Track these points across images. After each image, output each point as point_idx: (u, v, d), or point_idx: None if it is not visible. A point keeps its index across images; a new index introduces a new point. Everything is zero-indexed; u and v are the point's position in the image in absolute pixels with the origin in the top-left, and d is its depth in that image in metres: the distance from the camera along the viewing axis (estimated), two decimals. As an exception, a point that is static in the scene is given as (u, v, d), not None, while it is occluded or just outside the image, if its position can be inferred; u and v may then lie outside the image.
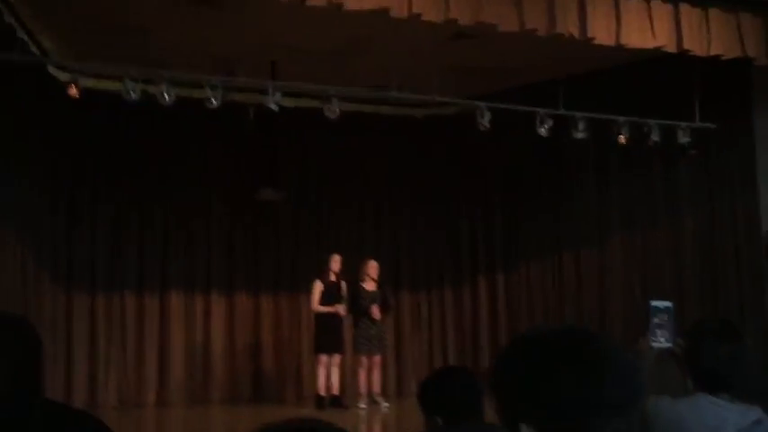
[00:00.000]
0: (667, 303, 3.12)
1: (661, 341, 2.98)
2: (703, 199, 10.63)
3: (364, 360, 10.19)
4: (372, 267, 10.33)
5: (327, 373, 10.14)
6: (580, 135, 9.97)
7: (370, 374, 10.27)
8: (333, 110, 9.26)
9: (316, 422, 1.25)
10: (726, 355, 2.88)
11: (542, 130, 9.81)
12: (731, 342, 2.91)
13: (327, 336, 10.09)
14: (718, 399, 2.87)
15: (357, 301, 10.11)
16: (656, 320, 3.06)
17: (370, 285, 10.25)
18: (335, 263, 10.29)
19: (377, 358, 10.26)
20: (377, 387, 10.28)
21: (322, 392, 10.08)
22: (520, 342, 1.39)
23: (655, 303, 3.09)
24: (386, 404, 10.17)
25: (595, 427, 1.30)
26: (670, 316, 3.07)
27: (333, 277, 10.23)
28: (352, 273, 10.32)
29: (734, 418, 2.84)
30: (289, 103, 10.06)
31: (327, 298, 10.13)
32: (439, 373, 3.37)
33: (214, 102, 8.87)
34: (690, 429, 2.80)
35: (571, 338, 1.36)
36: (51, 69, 9.82)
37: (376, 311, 10.08)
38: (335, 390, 10.15)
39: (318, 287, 10.19)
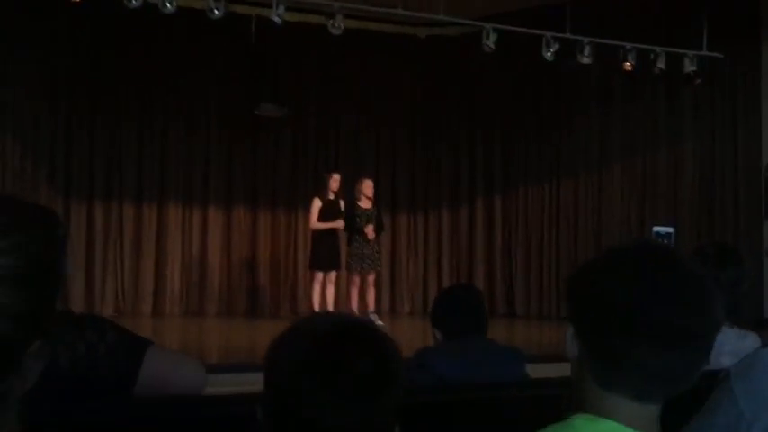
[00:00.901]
0: (669, 229, 3.11)
1: None
2: (706, 128, 10.61)
3: (357, 278, 10.26)
4: (368, 186, 10.30)
5: (323, 290, 10.21)
6: (585, 60, 9.88)
7: (365, 293, 10.34)
8: (337, 26, 9.14)
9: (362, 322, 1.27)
10: (726, 279, 2.89)
11: (548, 54, 9.71)
12: (732, 267, 2.93)
13: (324, 253, 10.13)
14: None
15: (352, 219, 10.13)
16: None
17: (365, 204, 10.24)
18: (335, 181, 10.26)
19: (370, 277, 10.32)
20: (371, 305, 10.36)
21: (317, 309, 10.16)
22: (612, 253, 1.34)
23: (657, 229, 3.08)
24: (380, 322, 10.27)
25: (647, 356, 1.23)
26: (671, 242, 3.05)
27: (331, 195, 10.22)
28: (350, 190, 10.30)
29: (731, 344, 2.86)
30: (292, 17, 9.92)
31: (326, 216, 10.13)
32: (445, 291, 3.54)
33: (216, 12, 8.75)
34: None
35: (661, 258, 1.29)
36: (50, -26, 9.65)
37: (370, 232, 10.09)
38: (330, 306, 10.24)
39: (317, 204, 10.19)
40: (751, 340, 2.99)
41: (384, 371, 1.22)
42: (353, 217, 10.10)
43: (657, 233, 2.67)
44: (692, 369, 1.26)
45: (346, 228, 10.20)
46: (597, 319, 1.26)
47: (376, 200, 10.39)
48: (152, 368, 1.83)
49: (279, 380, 1.23)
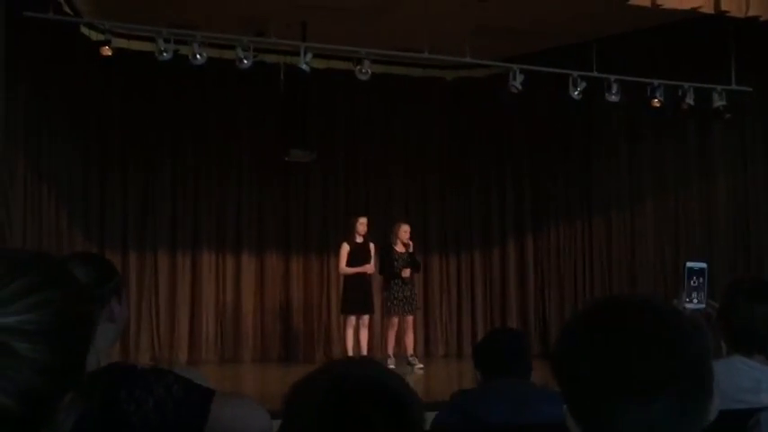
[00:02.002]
0: (702, 264, 3.07)
1: (695, 302, 2.95)
2: (737, 163, 10.51)
3: (395, 321, 10.24)
4: (404, 231, 10.31)
5: (356, 334, 10.20)
6: (613, 98, 9.88)
7: (404, 336, 10.32)
8: (364, 71, 9.22)
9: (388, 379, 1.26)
10: (761, 314, 2.82)
11: (575, 93, 9.72)
12: (766, 302, 2.87)
13: (356, 297, 10.13)
14: (753, 360, 2.84)
15: (390, 264, 10.14)
16: (691, 282, 3.02)
17: (401, 248, 10.26)
18: (362, 225, 10.30)
19: (409, 319, 10.31)
20: (410, 348, 10.34)
21: (351, 353, 10.14)
22: (570, 319, 1.31)
23: (690, 264, 3.03)
24: (420, 365, 10.23)
25: (622, 413, 1.18)
26: (704, 278, 3.01)
27: (359, 239, 10.25)
28: (381, 234, 10.31)
29: None
30: (319, 64, 10.05)
31: (355, 260, 10.15)
32: (489, 333, 3.61)
33: (245, 62, 8.87)
34: (724, 392, 2.78)
35: (605, 313, 1.25)
36: (84, 29, 9.86)
37: (407, 272, 10.12)
38: (364, 350, 10.21)
39: (345, 249, 10.22)
40: None
41: (397, 422, 1.20)
42: (391, 261, 10.11)
43: (690, 269, 2.66)
44: (688, 421, 1.20)
45: (383, 272, 10.23)
46: (582, 391, 1.22)
47: (413, 241, 10.37)
48: (218, 420, 1.83)
49: (294, 427, 1.24)
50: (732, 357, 2.87)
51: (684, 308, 2.98)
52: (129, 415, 1.78)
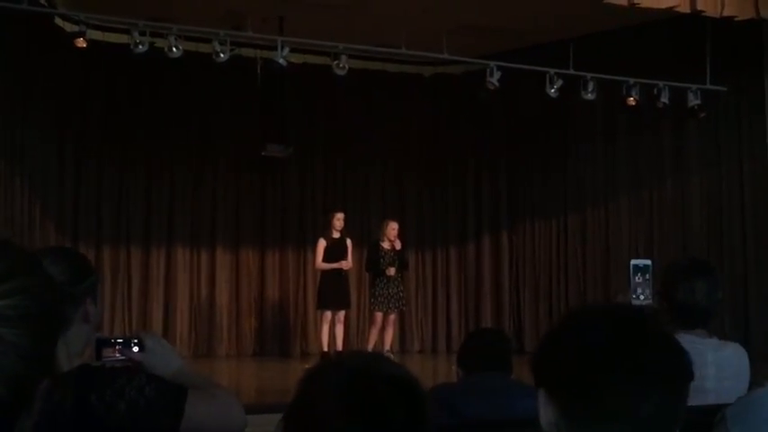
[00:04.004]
0: (647, 261, 3.20)
1: (641, 298, 3.10)
2: (712, 161, 10.63)
3: (379, 317, 10.24)
4: (392, 228, 10.29)
5: (332, 330, 10.19)
6: (589, 96, 9.93)
7: (383, 332, 10.33)
8: (341, 66, 9.21)
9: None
10: (700, 289, 2.98)
11: (552, 91, 9.76)
12: (703, 277, 3.01)
13: (332, 292, 10.13)
14: (695, 336, 2.94)
15: (376, 261, 10.13)
16: (636, 279, 3.15)
17: (388, 245, 10.25)
18: (338, 220, 10.29)
19: (392, 316, 10.33)
20: (388, 344, 10.36)
21: (326, 349, 10.15)
22: (578, 313, 1.36)
23: (635, 262, 3.17)
24: (395, 361, 10.25)
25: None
26: (649, 274, 3.15)
27: (336, 235, 10.24)
28: (358, 230, 10.30)
29: (711, 354, 2.96)
30: (297, 59, 10.03)
31: (331, 255, 10.14)
32: (473, 333, 3.88)
33: (222, 56, 8.83)
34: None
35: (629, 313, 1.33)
36: (58, 20, 9.79)
37: (390, 270, 10.11)
38: (340, 346, 10.22)
39: (322, 245, 10.21)
40: (732, 349, 3.08)
41: (414, 415, 1.23)
42: (377, 258, 10.12)
43: (636, 266, 2.74)
44: (670, 418, 1.25)
45: (369, 269, 10.24)
46: (575, 375, 1.26)
47: (401, 239, 10.35)
48: (192, 419, 1.84)
49: (309, 418, 1.23)
50: (677, 335, 2.96)
51: (631, 303, 3.10)
52: (102, 419, 1.77)
